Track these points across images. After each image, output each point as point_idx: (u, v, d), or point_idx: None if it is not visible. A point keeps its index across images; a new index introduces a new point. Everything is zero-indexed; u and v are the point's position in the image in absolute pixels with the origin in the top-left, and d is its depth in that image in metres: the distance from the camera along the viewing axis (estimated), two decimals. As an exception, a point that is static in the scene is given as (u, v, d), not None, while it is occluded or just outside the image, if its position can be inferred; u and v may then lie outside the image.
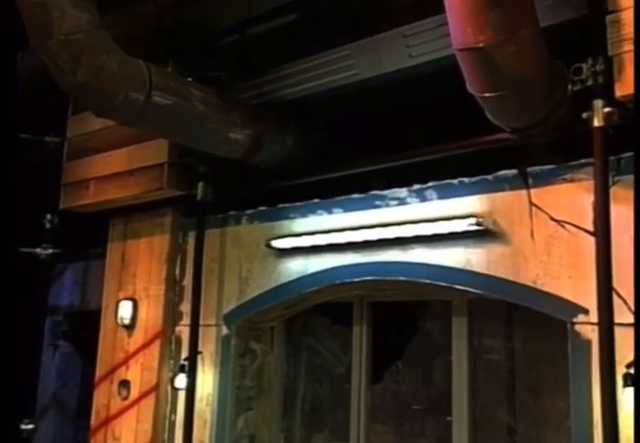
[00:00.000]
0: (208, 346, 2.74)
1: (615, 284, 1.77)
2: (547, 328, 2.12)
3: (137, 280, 3.01)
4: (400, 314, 2.65)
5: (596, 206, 1.83)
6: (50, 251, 3.23)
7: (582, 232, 1.94)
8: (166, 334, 2.87)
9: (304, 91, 2.54)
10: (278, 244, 2.58)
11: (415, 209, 2.28)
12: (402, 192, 2.34)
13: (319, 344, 2.86)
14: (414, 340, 2.61)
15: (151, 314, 2.92)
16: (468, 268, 2.13)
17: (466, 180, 2.20)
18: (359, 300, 2.63)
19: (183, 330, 2.82)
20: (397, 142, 2.43)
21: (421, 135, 2.35)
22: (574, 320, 1.90)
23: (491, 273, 2.08)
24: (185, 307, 2.84)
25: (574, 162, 1.99)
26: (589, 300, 1.84)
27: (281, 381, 2.82)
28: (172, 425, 2.79)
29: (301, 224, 2.58)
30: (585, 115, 1.84)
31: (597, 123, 1.82)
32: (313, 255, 2.51)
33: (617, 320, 1.75)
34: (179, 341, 2.85)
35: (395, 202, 2.35)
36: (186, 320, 2.80)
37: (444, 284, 2.19)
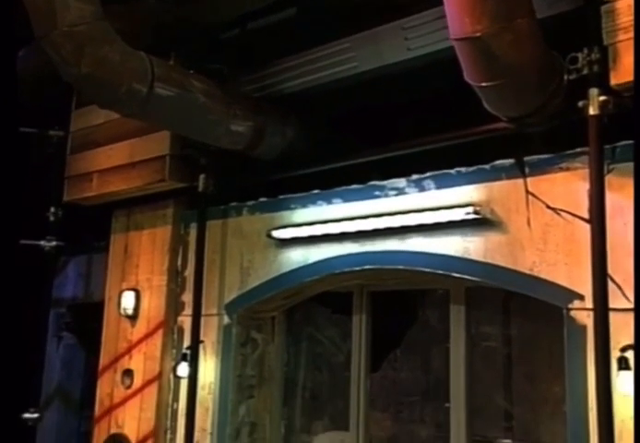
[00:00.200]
0: (210, 335, 2.77)
1: (610, 270, 1.80)
2: (543, 315, 2.16)
3: (140, 271, 3.04)
4: (399, 303, 2.68)
5: (591, 194, 1.85)
6: (54, 243, 3.26)
7: (577, 219, 1.96)
8: (168, 324, 2.91)
9: (305, 84, 2.57)
10: (278, 234, 2.62)
11: (414, 198, 2.31)
12: (401, 182, 2.37)
13: (319, 333, 2.90)
14: (413, 328, 2.64)
15: (154, 304, 2.96)
16: (466, 256, 2.16)
17: (463, 170, 2.23)
18: (358, 289, 2.67)
19: (186, 320, 2.86)
20: (396, 134, 2.45)
21: (421, 126, 2.37)
22: (570, 306, 1.93)
23: (489, 261, 2.11)
24: (187, 297, 2.88)
25: (570, 151, 2.02)
26: (584, 286, 1.87)
27: (282, 370, 2.85)
28: (175, 412, 2.83)
29: (301, 215, 2.61)
30: (580, 104, 1.87)
31: (592, 111, 1.85)
32: (313, 245, 2.54)
33: (612, 306, 1.78)
34: (181, 330, 2.89)
35: (393, 192, 2.38)
36: (188, 310, 2.84)
37: (442, 272, 2.22)
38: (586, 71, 1.88)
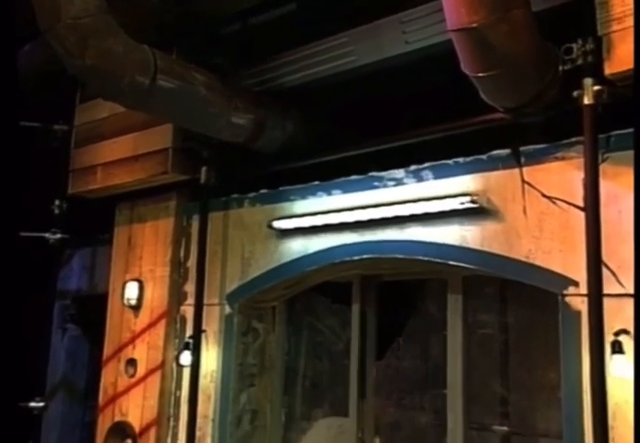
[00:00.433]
0: (212, 325, 2.82)
1: (604, 257, 1.83)
2: (538, 303, 2.19)
3: (143, 262, 3.09)
4: (398, 292, 2.72)
5: (586, 182, 1.88)
6: (59, 236, 3.31)
7: (572, 207, 2.00)
8: (171, 314, 2.95)
9: (305, 78, 2.61)
10: (279, 224, 2.66)
11: (412, 189, 2.35)
12: (399, 173, 2.40)
13: (319, 323, 2.94)
14: (411, 317, 2.68)
15: (157, 294, 3.00)
16: (464, 244, 2.19)
17: (461, 160, 2.26)
18: (357, 280, 2.70)
19: (188, 310, 2.90)
20: (395, 126, 2.49)
21: (420, 119, 2.40)
22: (565, 292, 1.97)
23: (486, 249, 2.14)
24: (190, 288, 2.92)
25: (566, 141, 2.05)
26: (579, 273, 1.91)
27: (282, 359, 2.90)
28: (178, 400, 2.88)
29: (301, 206, 2.65)
30: (575, 94, 1.90)
31: (587, 101, 1.88)
32: (312, 235, 2.58)
33: (605, 291, 1.81)
34: (184, 320, 2.94)
35: (392, 183, 2.42)
36: (191, 300, 2.89)
37: (439, 261, 2.26)
38: (580, 61, 1.91)
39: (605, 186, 1.88)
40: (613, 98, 1.88)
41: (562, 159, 2.05)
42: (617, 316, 1.83)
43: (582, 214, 1.91)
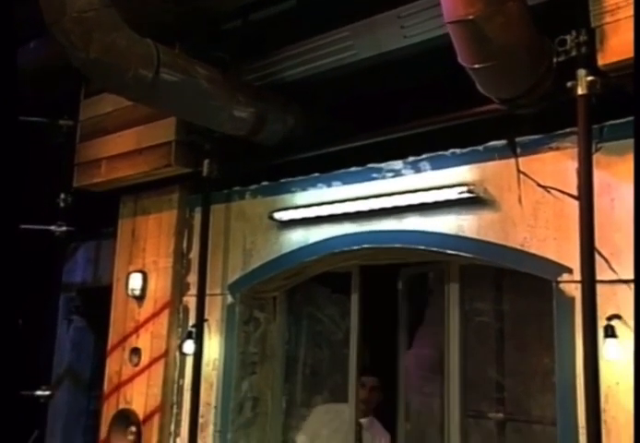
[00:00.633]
0: (214, 314, 2.87)
1: (597, 244, 1.87)
2: (533, 291, 2.23)
3: (147, 253, 3.14)
4: (395, 282, 2.76)
5: (580, 172, 1.92)
6: (64, 228, 3.36)
7: (567, 196, 2.03)
8: (174, 304, 3.00)
9: (305, 72, 2.65)
10: (280, 216, 2.70)
11: (410, 179, 2.39)
12: (397, 164, 2.44)
13: (319, 312, 2.99)
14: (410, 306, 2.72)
15: (160, 285, 3.05)
16: (460, 233, 2.23)
17: (458, 151, 2.30)
18: (357, 270, 2.75)
19: (191, 300, 2.95)
20: (394, 120, 2.52)
21: (418, 111, 2.44)
22: (559, 279, 2.01)
23: (482, 238, 2.18)
24: (192, 278, 2.97)
25: (560, 131, 2.09)
26: (573, 260, 1.95)
27: (283, 347, 2.94)
28: (181, 388, 2.93)
29: (301, 197, 2.69)
30: (569, 84, 1.94)
31: (580, 91, 1.92)
32: (313, 226, 2.63)
33: (599, 278, 1.86)
34: (186, 310, 2.99)
35: (390, 174, 2.46)
36: (193, 290, 2.94)
37: (437, 250, 2.30)
38: (574, 53, 1.95)
39: (598, 176, 1.92)
40: (606, 88, 1.92)
41: (557, 149, 2.09)
42: (610, 301, 1.87)
43: (576, 203, 1.95)
